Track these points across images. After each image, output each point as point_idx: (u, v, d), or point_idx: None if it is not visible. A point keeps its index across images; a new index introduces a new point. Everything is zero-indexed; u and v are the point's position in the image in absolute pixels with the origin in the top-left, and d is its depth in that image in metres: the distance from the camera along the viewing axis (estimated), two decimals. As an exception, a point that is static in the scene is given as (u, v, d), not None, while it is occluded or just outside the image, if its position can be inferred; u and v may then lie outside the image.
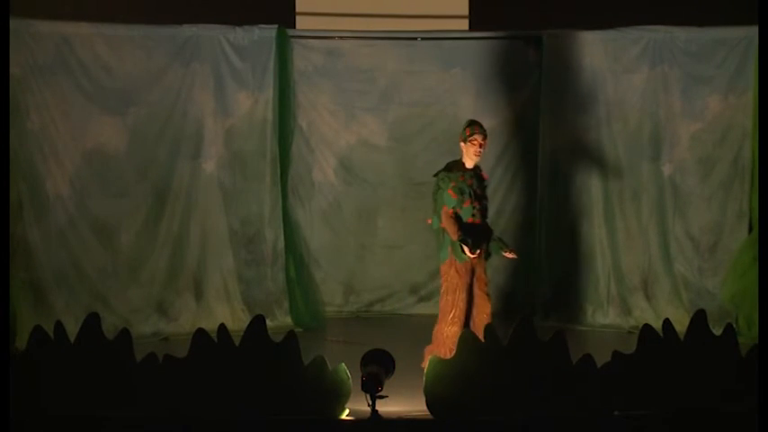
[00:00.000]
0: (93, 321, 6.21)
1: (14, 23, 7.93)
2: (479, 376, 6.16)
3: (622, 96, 9.85)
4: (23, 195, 8.85)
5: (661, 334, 6.22)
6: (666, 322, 6.29)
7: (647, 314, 9.53)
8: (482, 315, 7.46)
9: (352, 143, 10.40)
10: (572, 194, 10.01)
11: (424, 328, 9.62)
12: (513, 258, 7.66)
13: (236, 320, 9.38)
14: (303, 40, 10.16)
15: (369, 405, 6.10)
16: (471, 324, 7.41)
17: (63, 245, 9.06)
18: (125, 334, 6.22)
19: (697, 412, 6.05)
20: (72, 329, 6.29)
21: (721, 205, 9.74)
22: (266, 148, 9.77)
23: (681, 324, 6.71)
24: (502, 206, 10.27)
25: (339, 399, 6.25)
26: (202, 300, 9.62)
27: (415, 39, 10.34)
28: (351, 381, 6.30)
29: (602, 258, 9.93)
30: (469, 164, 7.55)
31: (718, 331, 6.35)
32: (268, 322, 6.66)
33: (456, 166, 7.57)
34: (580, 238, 9.99)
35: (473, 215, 7.46)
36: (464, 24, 10.89)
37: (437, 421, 6.16)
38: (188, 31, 9.54)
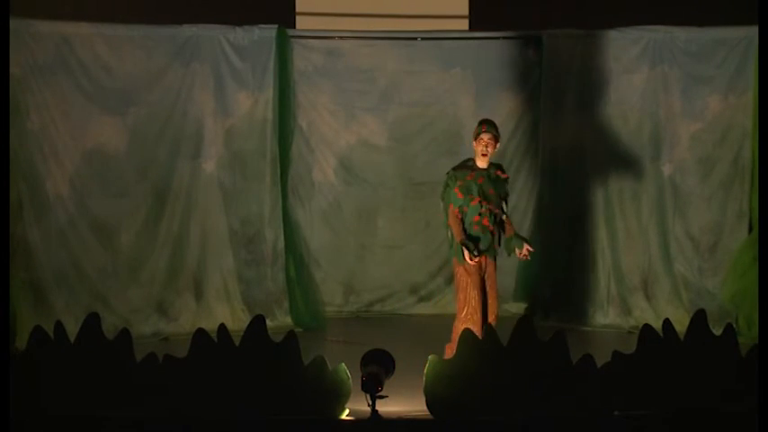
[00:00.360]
0: (93, 321, 6.21)
1: (14, 23, 7.94)
2: (479, 376, 6.16)
3: (622, 96, 9.85)
4: (23, 195, 8.86)
5: (661, 334, 6.23)
6: (666, 322, 6.29)
7: (647, 314, 9.53)
8: (491, 315, 7.49)
9: (352, 143, 10.40)
10: (572, 194, 10.01)
11: (424, 328, 9.69)
12: (524, 258, 7.66)
13: (236, 320, 9.39)
14: (303, 40, 10.16)
15: (369, 405, 6.10)
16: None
17: (63, 245, 9.06)
18: (125, 334, 6.22)
19: (697, 412, 6.05)
20: (72, 329, 6.29)
21: (721, 205, 9.74)
22: (266, 148, 9.76)
23: (681, 324, 6.71)
24: (502, 206, 10.29)
25: (339, 399, 6.25)
26: (202, 300, 9.62)
27: (415, 39, 10.34)
28: (351, 381, 6.30)
29: (602, 258, 9.93)
30: (480, 162, 7.57)
31: (718, 331, 6.35)
32: (268, 322, 6.67)
33: (466, 164, 7.61)
34: (580, 238, 9.98)
35: (480, 213, 7.48)
36: (464, 24, 10.89)
37: (437, 421, 6.16)
38: (188, 31, 9.54)
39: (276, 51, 9.76)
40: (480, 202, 7.47)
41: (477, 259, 7.37)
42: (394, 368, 6.35)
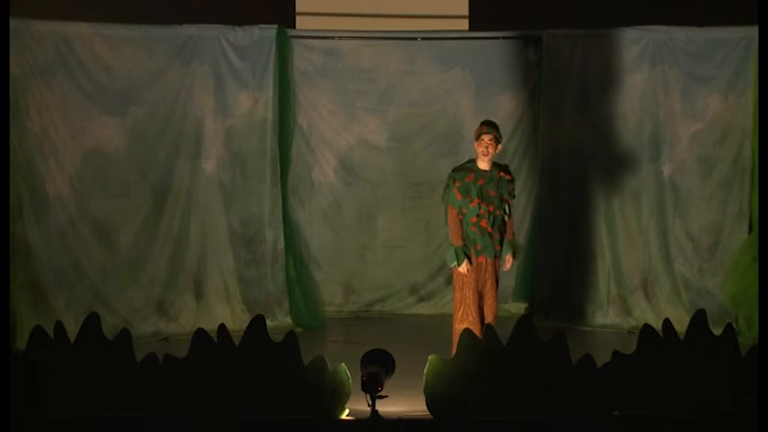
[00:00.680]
0: (93, 321, 6.21)
1: (14, 23, 7.95)
2: (479, 376, 6.16)
3: (622, 96, 9.85)
4: (23, 195, 8.85)
5: (661, 334, 6.23)
6: (666, 322, 6.29)
7: (647, 314, 9.53)
8: (489, 316, 7.48)
9: (352, 143, 10.40)
10: (572, 194, 10.01)
11: (424, 328, 9.69)
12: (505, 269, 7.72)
13: (236, 320, 9.40)
14: (303, 40, 10.16)
15: (369, 405, 6.10)
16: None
17: (63, 245, 9.05)
18: (125, 334, 6.22)
19: (697, 412, 6.04)
20: (72, 329, 6.29)
21: (721, 205, 9.73)
22: (266, 148, 9.76)
23: (681, 324, 6.72)
24: (502, 206, 10.29)
25: (339, 399, 6.25)
26: (202, 300, 9.62)
27: (415, 39, 10.34)
28: (351, 381, 6.30)
29: (602, 258, 9.93)
30: (482, 164, 7.56)
31: (718, 331, 6.35)
32: (268, 322, 6.67)
33: (466, 165, 7.61)
34: (580, 238, 9.98)
35: (478, 215, 7.47)
36: (464, 24, 10.90)
37: (437, 421, 6.16)
38: (188, 31, 9.54)
39: (276, 51, 9.76)
40: (479, 203, 7.46)
41: (467, 268, 7.39)
42: (394, 368, 6.35)
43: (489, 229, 7.49)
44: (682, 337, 6.24)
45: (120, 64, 9.30)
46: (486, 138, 7.51)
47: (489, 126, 7.56)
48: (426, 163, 10.39)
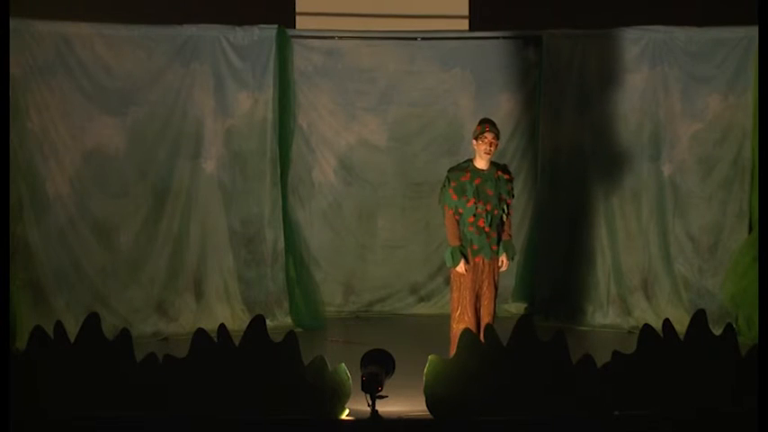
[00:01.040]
0: (93, 321, 6.21)
1: (14, 23, 7.95)
2: (479, 376, 6.16)
3: (622, 96, 9.85)
4: (23, 195, 8.85)
5: (661, 334, 6.23)
6: (666, 322, 6.29)
7: (647, 314, 9.53)
8: (486, 317, 7.47)
9: (352, 143, 10.40)
10: (572, 194, 10.01)
11: (424, 328, 9.69)
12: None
13: (236, 320, 9.40)
14: (303, 40, 10.16)
15: (369, 405, 6.10)
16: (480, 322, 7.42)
17: (63, 245, 9.06)
18: (125, 334, 6.22)
19: (697, 412, 6.04)
20: (72, 329, 6.29)
21: (721, 205, 9.73)
22: (266, 148, 9.77)
23: (681, 324, 6.72)
24: (501, 206, 10.29)
25: (339, 399, 6.25)
26: (202, 300, 9.62)
27: (415, 39, 10.35)
28: (351, 381, 6.31)
29: (602, 258, 9.93)
30: (480, 163, 7.51)
31: (718, 331, 6.35)
32: (268, 322, 6.67)
33: (463, 165, 7.57)
34: (580, 238, 9.99)
35: (475, 215, 7.44)
36: (464, 24, 10.90)
37: (437, 421, 6.16)
38: (188, 31, 9.54)
39: (276, 51, 9.76)
40: (476, 203, 7.44)
41: (465, 268, 7.38)
42: (394, 368, 6.35)
43: (487, 229, 7.46)
44: (682, 337, 6.24)
45: (120, 64, 9.31)
46: (490, 136, 7.45)
47: (491, 124, 7.52)
48: (426, 163, 10.39)
